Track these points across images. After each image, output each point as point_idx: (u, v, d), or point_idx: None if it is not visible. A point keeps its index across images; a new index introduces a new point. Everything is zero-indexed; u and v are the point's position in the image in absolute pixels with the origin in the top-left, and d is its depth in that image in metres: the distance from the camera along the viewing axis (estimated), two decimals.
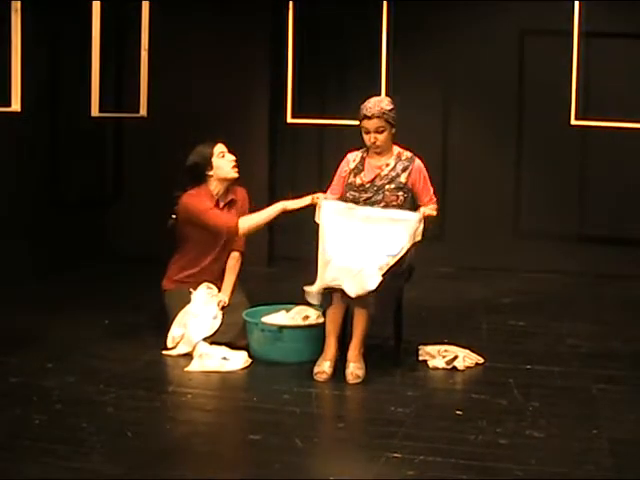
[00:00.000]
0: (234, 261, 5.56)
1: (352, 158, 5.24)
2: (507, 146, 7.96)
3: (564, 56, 7.32)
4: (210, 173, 5.46)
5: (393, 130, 5.12)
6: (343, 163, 5.27)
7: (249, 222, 5.36)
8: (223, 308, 5.34)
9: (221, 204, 5.50)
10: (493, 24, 7.85)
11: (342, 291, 4.78)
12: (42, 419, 4.11)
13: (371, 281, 4.73)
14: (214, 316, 5.27)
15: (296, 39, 7.76)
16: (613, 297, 7.04)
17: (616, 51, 7.56)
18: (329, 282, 4.79)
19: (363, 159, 5.21)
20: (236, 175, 5.49)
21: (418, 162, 5.18)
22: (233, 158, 5.49)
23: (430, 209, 5.11)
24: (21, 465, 3.60)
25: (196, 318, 5.25)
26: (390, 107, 5.07)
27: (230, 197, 5.52)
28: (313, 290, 4.82)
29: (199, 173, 5.46)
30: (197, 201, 5.42)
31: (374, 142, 5.09)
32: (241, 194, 5.61)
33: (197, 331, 5.19)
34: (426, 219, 5.02)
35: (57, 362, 4.98)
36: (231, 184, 5.52)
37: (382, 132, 5.06)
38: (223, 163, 5.46)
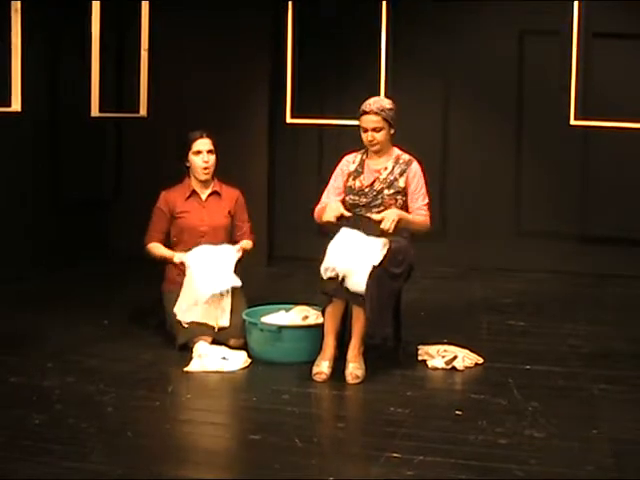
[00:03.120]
0: (244, 242, 5.60)
1: (351, 160, 5.23)
2: (507, 146, 7.96)
3: (564, 56, 7.32)
4: (187, 165, 5.54)
5: (392, 131, 5.11)
6: (342, 164, 5.25)
7: (155, 248, 5.50)
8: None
9: (202, 196, 5.56)
10: (493, 24, 7.85)
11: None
12: (42, 419, 4.10)
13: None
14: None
15: (295, 39, 7.77)
16: (614, 297, 7.04)
17: (616, 51, 7.56)
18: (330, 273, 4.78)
19: (362, 161, 5.20)
20: (204, 178, 5.51)
21: (415, 165, 5.16)
22: (206, 160, 5.47)
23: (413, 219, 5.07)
24: (21, 465, 3.60)
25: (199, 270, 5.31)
26: (390, 107, 5.08)
27: (214, 189, 5.58)
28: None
29: (180, 161, 5.55)
30: (159, 198, 5.55)
31: (371, 141, 5.08)
32: (231, 194, 5.62)
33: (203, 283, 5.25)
34: (406, 226, 5.00)
35: (57, 362, 4.98)
36: (208, 180, 5.56)
37: (379, 131, 5.06)
38: (195, 162, 5.49)
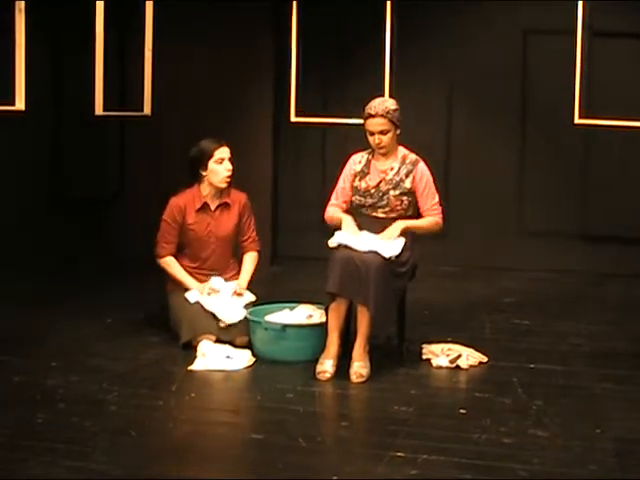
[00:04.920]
0: (250, 260, 5.61)
1: (358, 160, 5.22)
2: (511, 145, 7.96)
3: (568, 55, 7.31)
4: (204, 173, 5.45)
5: (398, 131, 5.10)
6: (349, 165, 5.23)
7: (169, 267, 5.46)
8: (239, 295, 5.40)
9: (212, 206, 5.50)
10: (496, 23, 7.83)
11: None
12: (45, 418, 4.11)
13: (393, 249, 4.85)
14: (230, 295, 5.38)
15: (299, 38, 7.76)
16: (616, 296, 7.03)
17: (620, 50, 7.55)
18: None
19: (369, 161, 5.18)
20: (224, 186, 5.45)
21: (421, 166, 5.15)
22: (230, 168, 5.42)
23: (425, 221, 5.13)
24: (24, 464, 3.60)
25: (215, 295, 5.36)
26: (394, 107, 5.06)
27: (223, 200, 5.51)
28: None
29: (195, 169, 5.46)
30: (170, 206, 5.47)
31: (378, 144, 5.07)
32: (239, 199, 5.58)
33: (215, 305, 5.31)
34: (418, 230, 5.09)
35: (60, 361, 4.99)
36: (224, 189, 5.50)
37: (386, 133, 5.04)
38: (217, 170, 5.41)
